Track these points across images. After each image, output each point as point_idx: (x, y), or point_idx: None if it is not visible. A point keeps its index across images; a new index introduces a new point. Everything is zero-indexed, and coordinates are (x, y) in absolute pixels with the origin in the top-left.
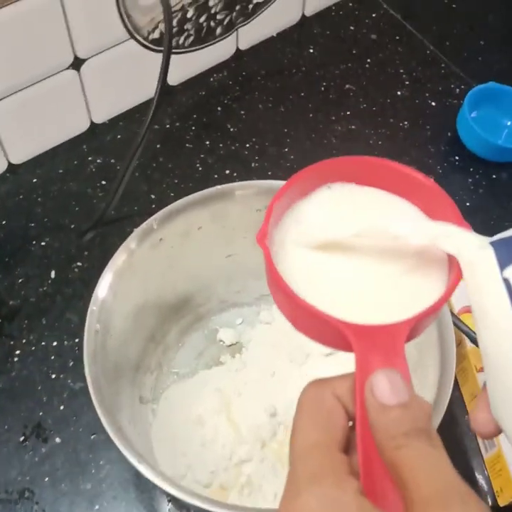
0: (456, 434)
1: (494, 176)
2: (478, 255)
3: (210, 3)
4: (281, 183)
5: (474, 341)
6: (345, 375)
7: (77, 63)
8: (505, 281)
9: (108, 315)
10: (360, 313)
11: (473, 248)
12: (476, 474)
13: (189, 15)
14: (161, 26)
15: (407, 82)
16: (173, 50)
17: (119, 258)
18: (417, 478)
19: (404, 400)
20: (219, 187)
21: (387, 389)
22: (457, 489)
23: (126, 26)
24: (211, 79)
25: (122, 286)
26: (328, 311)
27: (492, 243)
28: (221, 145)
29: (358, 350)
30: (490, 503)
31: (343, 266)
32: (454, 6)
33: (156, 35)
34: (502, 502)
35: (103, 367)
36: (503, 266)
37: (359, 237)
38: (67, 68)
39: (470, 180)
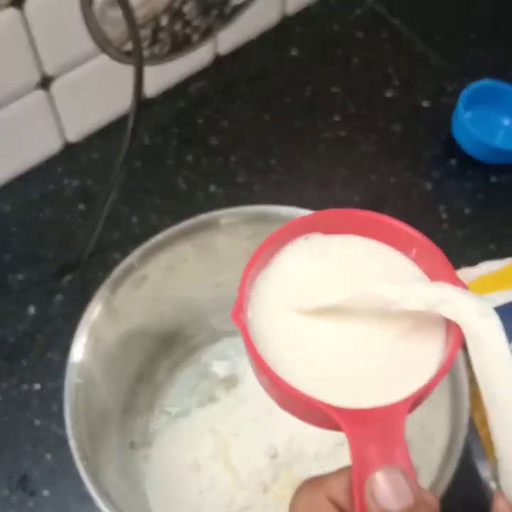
0: (468, 462)
1: (494, 180)
2: (481, 325)
3: (185, 10)
4: (269, 208)
5: None
6: (340, 472)
7: (45, 82)
8: None
9: (89, 365)
10: (351, 391)
11: (476, 316)
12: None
13: (163, 23)
14: None
15: (396, 83)
16: (149, 61)
17: (94, 307)
18: None
19: (409, 502)
20: (202, 216)
21: (389, 492)
22: None
23: (96, 40)
24: (191, 89)
25: (102, 332)
26: (316, 389)
27: (497, 309)
28: (204, 160)
29: (352, 439)
30: None
31: (331, 332)
32: None
33: (128, 46)
34: None
35: (88, 421)
36: (511, 337)
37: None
38: (36, 88)
39: (468, 185)
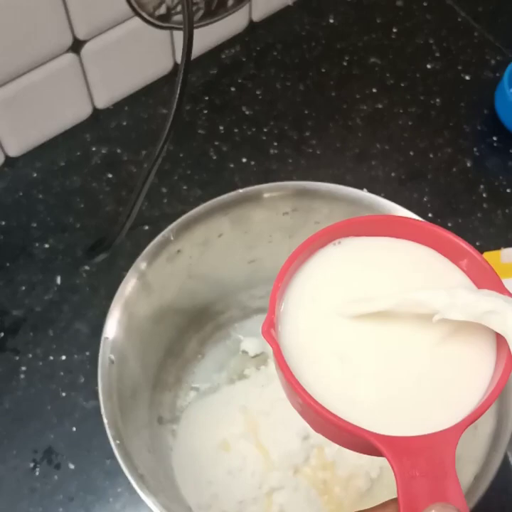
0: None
1: None
2: None
3: None
4: (310, 184)
5: None
6: (386, 505)
7: (76, 46)
8: None
9: (122, 341)
10: (397, 415)
11: None
12: None
13: None
14: (168, 0)
15: (437, 54)
16: (182, 26)
17: (129, 280)
18: None
19: None
20: (241, 191)
21: None
22: None
23: (129, 2)
24: (223, 56)
25: (136, 307)
26: (357, 413)
27: None
28: (236, 130)
29: (399, 471)
30: None
31: (372, 344)
32: None
33: (162, 10)
34: None
35: (119, 396)
36: None
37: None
38: (66, 52)
39: (510, 163)
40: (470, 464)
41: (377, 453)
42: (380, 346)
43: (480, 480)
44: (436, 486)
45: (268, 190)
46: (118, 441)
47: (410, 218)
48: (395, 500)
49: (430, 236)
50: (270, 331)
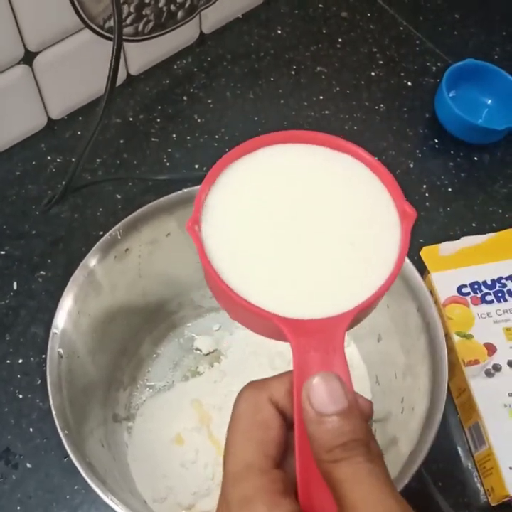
0: (445, 430)
1: (476, 159)
2: None
3: None
4: None
5: None
6: (283, 376)
7: (28, 57)
8: None
9: (72, 336)
10: (299, 299)
11: None
12: (466, 473)
13: (147, 0)
14: None
15: (380, 62)
16: (132, 38)
17: (78, 277)
18: (353, 499)
19: (343, 407)
20: (185, 190)
21: (324, 396)
22: None
23: (79, 15)
24: (175, 66)
25: (85, 303)
26: (265, 298)
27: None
28: (189, 137)
29: (296, 347)
30: (481, 503)
31: (279, 234)
32: None
33: (112, 22)
34: (493, 501)
35: (70, 392)
36: None
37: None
38: (18, 63)
39: (451, 164)
40: (407, 443)
41: (280, 334)
42: (287, 237)
43: (415, 458)
44: (325, 359)
45: None
46: (66, 432)
47: (325, 135)
48: (290, 372)
49: (338, 147)
50: (194, 227)
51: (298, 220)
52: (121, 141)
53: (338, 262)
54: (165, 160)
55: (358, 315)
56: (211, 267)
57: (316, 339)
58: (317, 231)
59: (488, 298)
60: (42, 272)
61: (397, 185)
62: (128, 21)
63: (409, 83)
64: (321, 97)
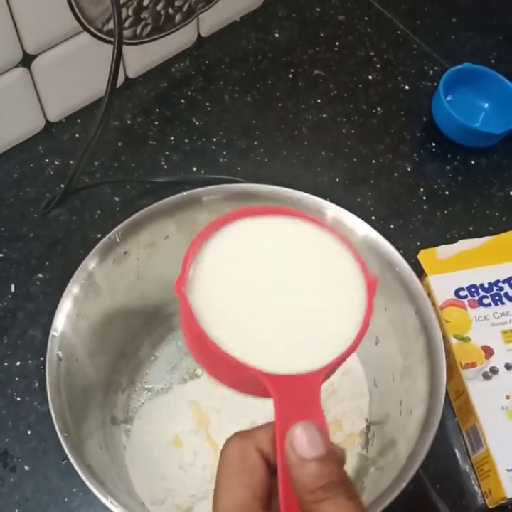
0: (443, 432)
1: (473, 162)
2: None
3: None
4: (249, 187)
5: None
6: (266, 426)
7: (26, 60)
8: None
9: (71, 339)
10: (279, 355)
11: None
12: (464, 475)
13: (145, 3)
14: None
15: (378, 66)
16: (131, 41)
17: (77, 280)
18: None
19: (322, 453)
20: (185, 194)
21: (305, 443)
22: None
23: (77, 18)
24: (173, 69)
25: (84, 306)
26: (247, 356)
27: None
28: (187, 140)
29: (278, 400)
30: (478, 505)
31: (258, 295)
32: None
33: (110, 25)
34: (491, 503)
35: (69, 394)
36: None
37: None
38: (17, 66)
39: (448, 167)
40: (405, 446)
41: (261, 388)
42: (265, 303)
43: (413, 461)
44: (305, 410)
45: (207, 193)
46: (65, 434)
47: (297, 212)
48: (273, 423)
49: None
50: (181, 288)
51: (274, 287)
52: (120, 144)
53: (312, 323)
54: (163, 163)
55: (332, 370)
56: (200, 327)
57: (296, 392)
58: (291, 296)
59: (485, 301)
60: (40, 275)
61: (359, 255)
62: (126, 24)
63: (407, 87)
64: (319, 100)
